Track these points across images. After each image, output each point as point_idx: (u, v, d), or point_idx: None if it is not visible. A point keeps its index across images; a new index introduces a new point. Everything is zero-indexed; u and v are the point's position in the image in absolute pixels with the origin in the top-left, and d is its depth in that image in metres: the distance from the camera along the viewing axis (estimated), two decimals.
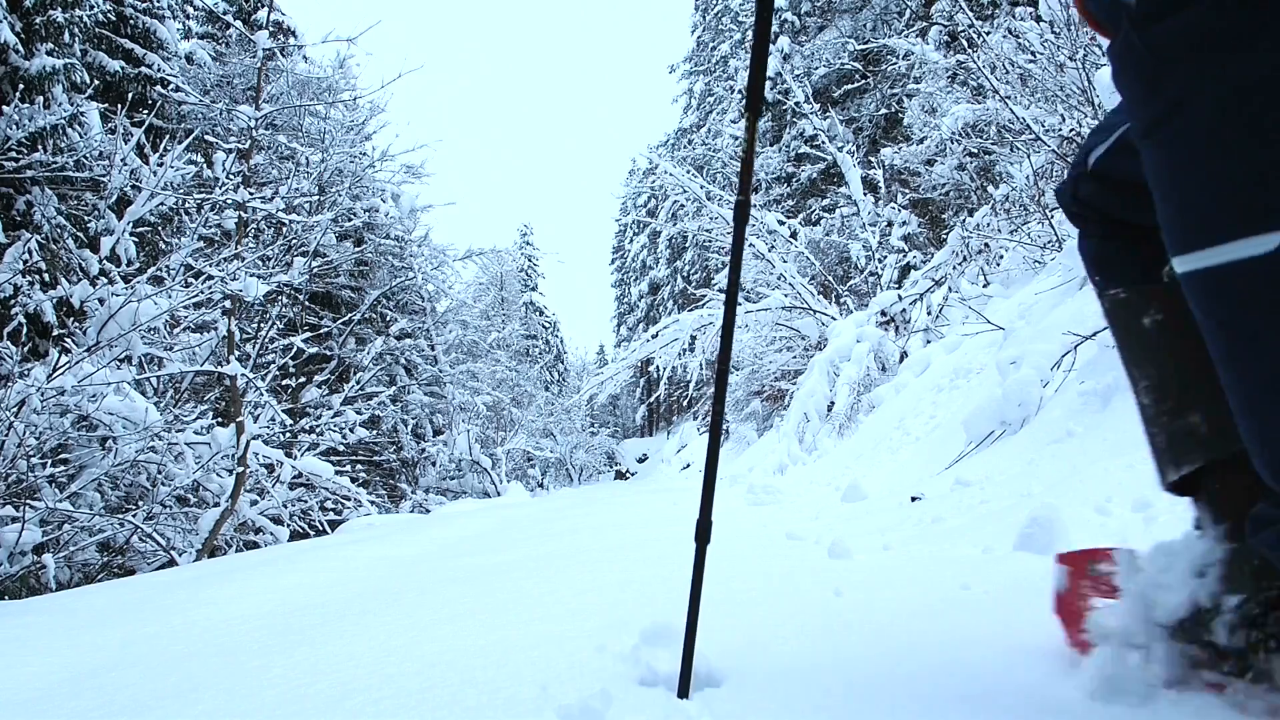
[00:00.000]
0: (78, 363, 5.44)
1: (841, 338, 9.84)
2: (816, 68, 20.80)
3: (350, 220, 14.32)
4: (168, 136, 8.42)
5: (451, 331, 19.26)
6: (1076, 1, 0.82)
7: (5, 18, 7.41)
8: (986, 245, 8.69)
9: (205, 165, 9.26)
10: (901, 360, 8.87)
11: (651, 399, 36.85)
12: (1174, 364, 1.03)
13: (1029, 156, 7.80)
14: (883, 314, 9.77)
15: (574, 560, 2.72)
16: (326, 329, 13.80)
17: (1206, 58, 0.62)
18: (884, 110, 19.53)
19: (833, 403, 9.15)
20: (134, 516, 6.06)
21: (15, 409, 4.94)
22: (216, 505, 6.91)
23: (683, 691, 1.20)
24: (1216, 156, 0.63)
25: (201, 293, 6.56)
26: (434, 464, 16.49)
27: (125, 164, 6.92)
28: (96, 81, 9.55)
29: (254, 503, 7.83)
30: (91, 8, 9.53)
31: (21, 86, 7.35)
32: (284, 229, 10.02)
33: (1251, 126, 0.59)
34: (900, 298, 9.74)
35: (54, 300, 6.02)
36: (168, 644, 1.99)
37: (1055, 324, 5.12)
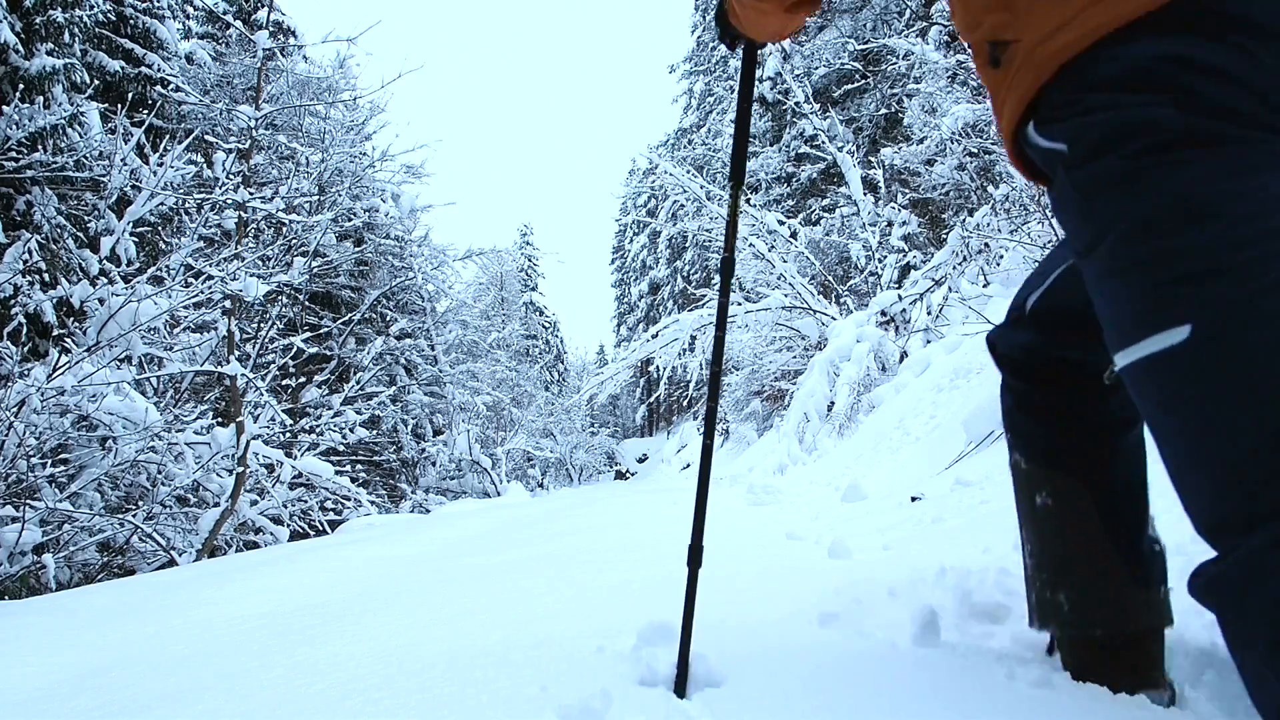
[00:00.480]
0: (78, 363, 5.44)
1: (841, 338, 9.84)
2: (816, 68, 20.80)
3: (350, 220, 14.32)
4: (168, 136, 8.42)
5: (451, 331, 19.26)
6: (1012, 158, 0.97)
7: (5, 18, 7.41)
8: (986, 245, 8.69)
9: (205, 165, 9.26)
10: (901, 360, 8.87)
11: (651, 399, 36.85)
12: (1054, 545, 1.18)
13: None
14: (883, 314, 9.77)
15: (574, 560, 2.72)
16: (326, 329, 13.80)
17: (1118, 195, 0.77)
18: (884, 110, 19.54)
19: (833, 403, 9.15)
20: (134, 516, 6.06)
21: (15, 409, 4.94)
22: (216, 505, 6.91)
23: (680, 691, 1.22)
24: (1134, 271, 0.77)
25: (201, 293, 6.56)
26: (434, 464, 16.49)
27: (125, 164, 6.92)
28: (96, 81, 9.55)
29: (254, 503, 7.83)
30: (91, 8, 9.53)
31: (21, 86, 7.35)
32: (284, 229, 10.02)
33: (1152, 248, 0.74)
34: (900, 298, 9.74)
35: (54, 300, 6.02)
36: (168, 644, 1.99)
37: None
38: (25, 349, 5.77)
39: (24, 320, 5.98)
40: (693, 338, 13.39)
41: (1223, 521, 0.75)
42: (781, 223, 14.37)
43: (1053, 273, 1.14)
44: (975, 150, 10.92)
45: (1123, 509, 1.13)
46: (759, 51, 1.40)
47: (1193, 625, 1.26)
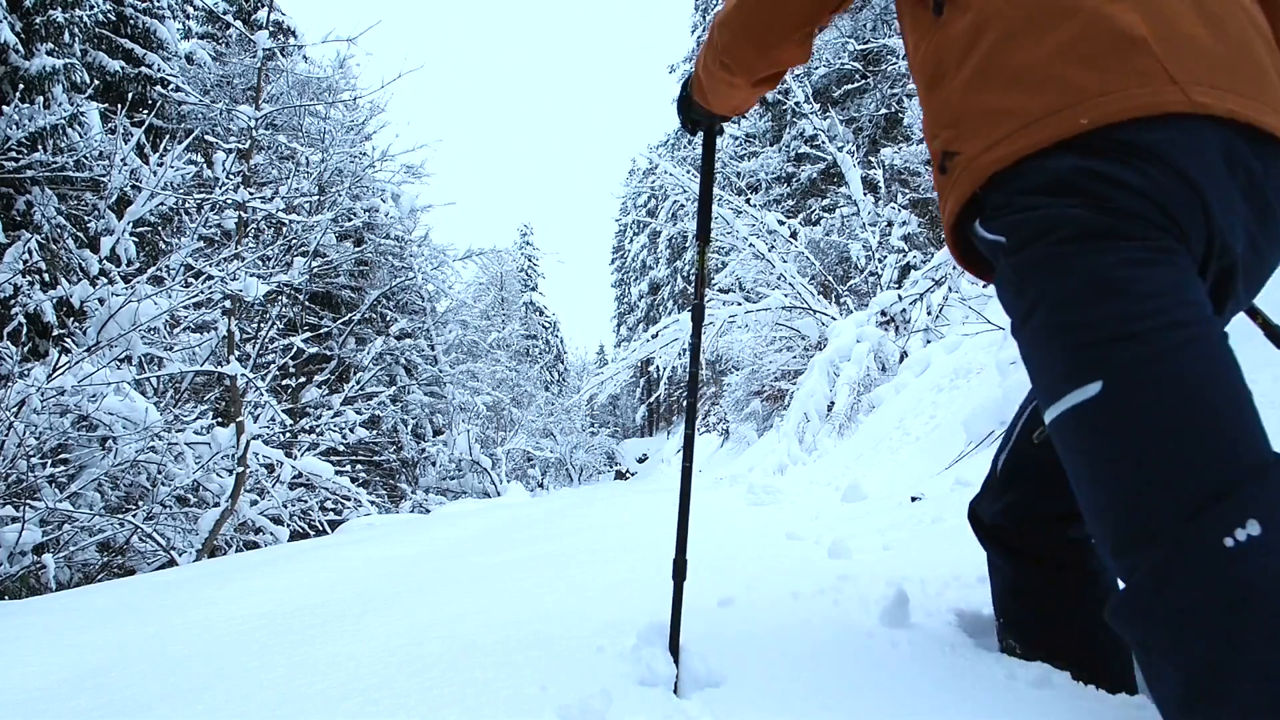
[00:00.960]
0: (78, 363, 5.44)
1: (841, 338, 9.84)
2: (816, 68, 20.80)
3: (350, 220, 14.32)
4: (168, 136, 8.42)
5: (451, 331, 19.25)
6: (951, 248, 1.12)
7: (5, 18, 7.42)
8: None
9: (205, 165, 9.26)
10: (901, 360, 8.87)
11: (651, 399, 36.84)
12: None
13: None
14: (883, 314, 9.77)
15: (574, 560, 2.72)
16: (326, 329, 13.80)
17: (1045, 275, 0.93)
18: (884, 110, 19.54)
19: (833, 403, 9.15)
20: (134, 516, 6.06)
21: (15, 409, 4.94)
22: (216, 505, 6.91)
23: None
24: (1057, 337, 0.91)
25: (201, 293, 6.55)
26: (434, 464, 16.48)
27: (125, 164, 6.92)
28: (96, 81, 9.55)
29: (254, 503, 7.83)
30: (91, 8, 9.53)
31: (21, 86, 7.35)
32: (284, 229, 10.01)
33: (1070, 319, 0.90)
34: (900, 298, 9.74)
35: (54, 300, 6.02)
36: (168, 644, 1.99)
37: None
38: (25, 349, 5.77)
39: (24, 320, 5.98)
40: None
41: (1127, 540, 0.86)
42: (781, 223, 14.37)
43: (1014, 430, 1.27)
44: None
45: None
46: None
47: None
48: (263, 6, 12.97)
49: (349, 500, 8.91)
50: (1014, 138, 0.93)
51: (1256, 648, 0.76)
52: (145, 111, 9.95)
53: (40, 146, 7.21)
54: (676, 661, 1.30)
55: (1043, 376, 0.95)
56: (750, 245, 13.51)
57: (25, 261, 6.26)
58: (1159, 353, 0.85)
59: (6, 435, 4.94)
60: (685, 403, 1.52)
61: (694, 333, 1.51)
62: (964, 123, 1.00)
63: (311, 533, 8.45)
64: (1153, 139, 0.88)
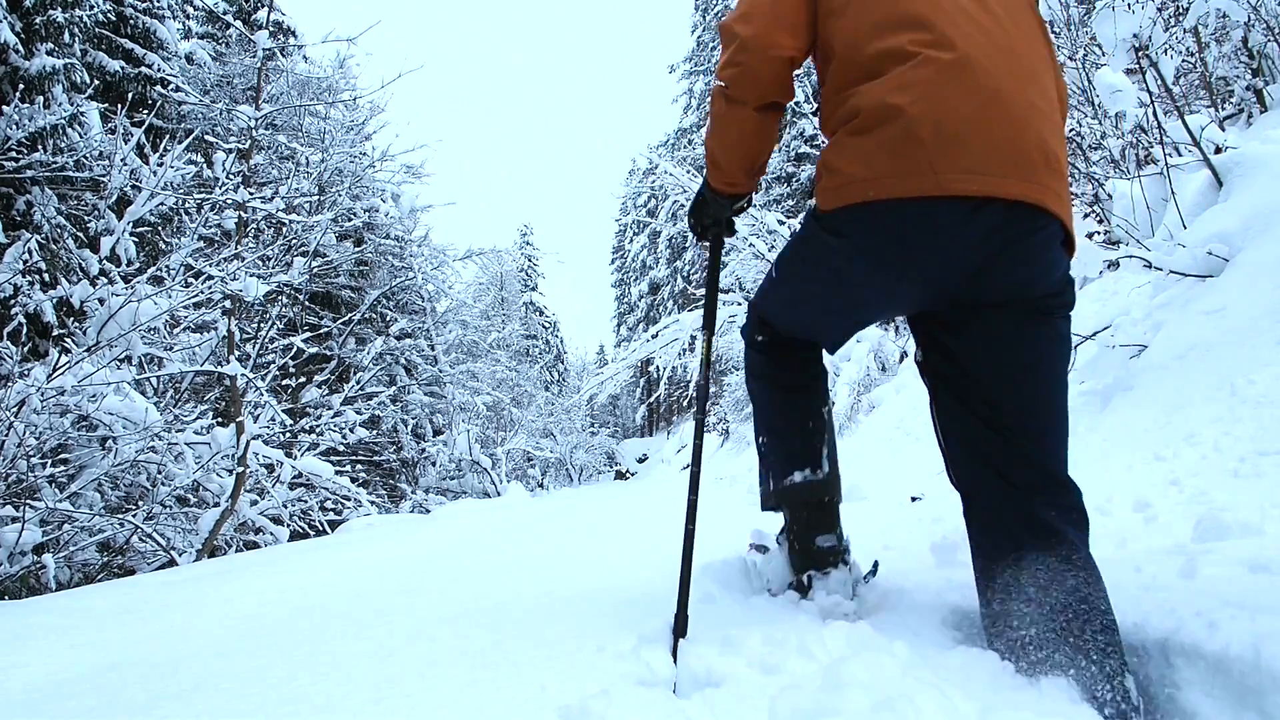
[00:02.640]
0: (78, 363, 5.44)
1: None
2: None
3: (350, 220, 14.31)
4: (168, 136, 8.41)
5: (451, 331, 19.24)
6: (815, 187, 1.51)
7: (5, 18, 7.42)
8: None
9: (205, 165, 9.25)
10: (901, 360, 8.87)
11: (651, 399, 36.84)
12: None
13: None
14: None
15: (573, 561, 2.72)
16: (326, 329, 13.79)
17: (805, 245, 1.54)
18: None
19: (833, 403, 9.14)
20: (134, 516, 6.06)
21: (15, 409, 4.94)
22: (216, 505, 6.91)
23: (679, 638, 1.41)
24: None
25: (201, 293, 6.55)
26: (434, 464, 16.48)
27: (125, 164, 6.92)
28: (96, 81, 9.55)
29: (254, 503, 7.82)
30: (91, 8, 9.53)
31: (21, 86, 7.35)
32: (284, 229, 10.01)
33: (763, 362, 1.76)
34: None
35: (54, 300, 6.02)
36: (168, 644, 1.99)
37: None
38: (25, 349, 5.76)
39: (24, 320, 5.98)
40: (693, 338, 13.38)
41: None
42: (781, 223, 14.36)
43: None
44: None
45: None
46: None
47: (1191, 624, 1.26)
48: (263, 6, 12.97)
49: (349, 500, 8.91)
50: (835, 192, 1.37)
51: None
52: (145, 111, 9.94)
53: (40, 146, 7.21)
54: (677, 657, 1.30)
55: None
56: (750, 245, 13.51)
57: (25, 261, 6.26)
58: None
59: (6, 435, 4.94)
60: (692, 446, 1.71)
61: (699, 409, 1.68)
62: (827, 167, 1.41)
63: (311, 533, 8.45)
64: (906, 213, 1.30)
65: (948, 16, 1.34)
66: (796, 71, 1.52)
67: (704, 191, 1.72)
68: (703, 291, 17.79)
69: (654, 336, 13.69)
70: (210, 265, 7.22)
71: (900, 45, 1.33)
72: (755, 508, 1.87)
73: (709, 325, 1.76)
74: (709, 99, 1.60)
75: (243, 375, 7.20)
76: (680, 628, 1.43)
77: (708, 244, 1.83)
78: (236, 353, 7.48)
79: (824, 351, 1.72)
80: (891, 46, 1.34)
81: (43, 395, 5.11)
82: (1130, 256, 3.96)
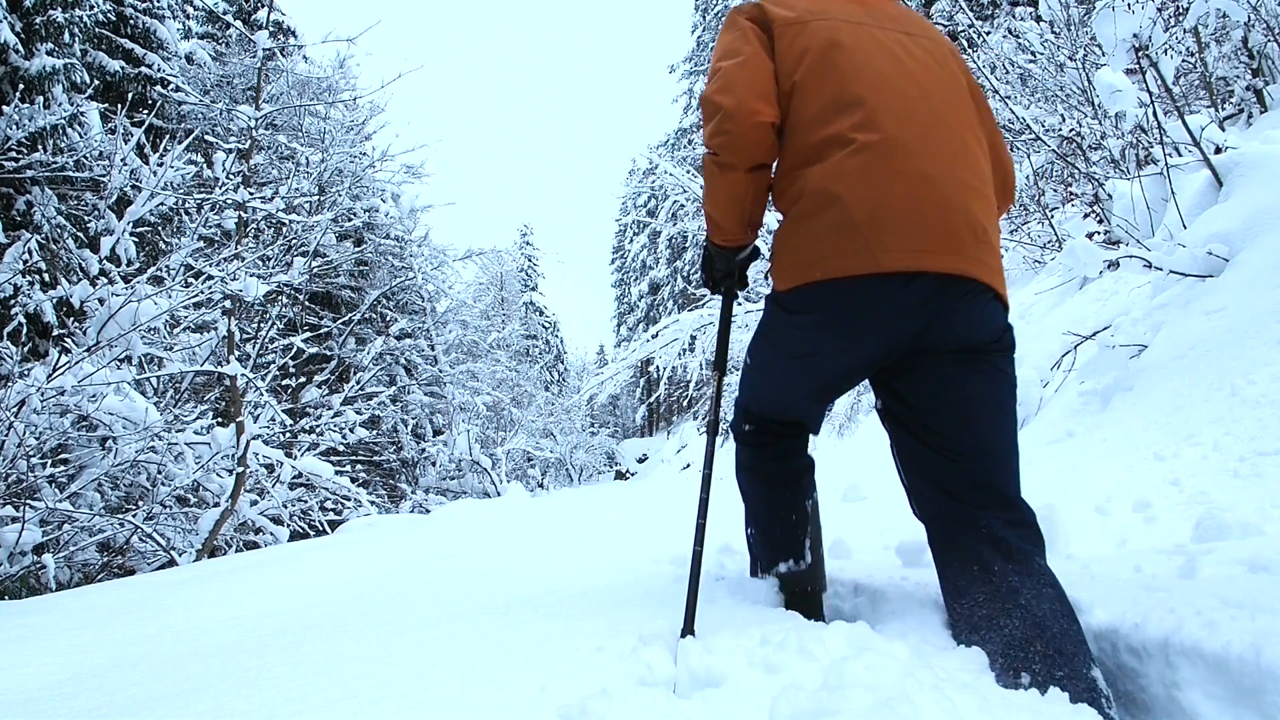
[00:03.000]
0: (78, 363, 5.44)
1: None
2: None
3: (350, 220, 14.31)
4: (168, 136, 8.41)
5: (451, 331, 19.23)
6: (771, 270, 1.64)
7: (5, 18, 7.42)
8: None
9: (205, 165, 9.25)
10: None
11: (651, 399, 36.82)
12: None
13: (1029, 156, 7.80)
14: None
15: (573, 560, 2.72)
16: (326, 329, 13.79)
17: (768, 328, 1.69)
18: None
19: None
20: (134, 516, 6.06)
21: (15, 409, 4.94)
22: (216, 505, 6.91)
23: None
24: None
25: (201, 293, 6.55)
26: (434, 464, 16.47)
27: (125, 164, 6.92)
28: (96, 81, 9.55)
29: (254, 503, 7.82)
30: (91, 8, 9.53)
31: (21, 86, 7.35)
32: (284, 229, 10.01)
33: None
34: None
35: (54, 300, 6.02)
36: (168, 644, 1.99)
37: (1055, 324, 5.13)
38: (25, 349, 5.77)
39: (24, 320, 5.98)
40: (693, 338, 13.37)
41: None
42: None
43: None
44: None
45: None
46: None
47: (1191, 624, 1.26)
48: (263, 6, 12.98)
49: (349, 500, 8.90)
50: (789, 273, 1.54)
51: None
52: (145, 111, 9.94)
53: (40, 146, 7.21)
54: (677, 657, 1.30)
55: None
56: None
57: (25, 261, 6.26)
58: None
59: (6, 435, 4.94)
60: (704, 462, 1.77)
61: (709, 444, 1.76)
62: (779, 250, 1.58)
63: (311, 533, 8.45)
64: (848, 290, 1.45)
65: (885, 104, 1.48)
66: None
67: (709, 249, 1.84)
68: (703, 292, 17.79)
69: (654, 336, 13.68)
70: (210, 265, 7.22)
71: (840, 132, 1.48)
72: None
73: (720, 367, 1.86)
74: (702, 168, 1.73)
75: (243, 375, 7.20)
76: (688, 626, 1.47)
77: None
78: (236, 353, 7.48)
79: (810, 435, 1.85)
80: (832, 134, 1.49)
81: (43, 395, 5.11)
82: (1130, 256, 3.96)
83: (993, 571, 1.38)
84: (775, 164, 1.63)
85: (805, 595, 1.77)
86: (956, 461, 1.48)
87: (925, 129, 1.48)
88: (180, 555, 6.23)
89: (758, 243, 1.85)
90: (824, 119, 1.50)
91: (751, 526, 1.87)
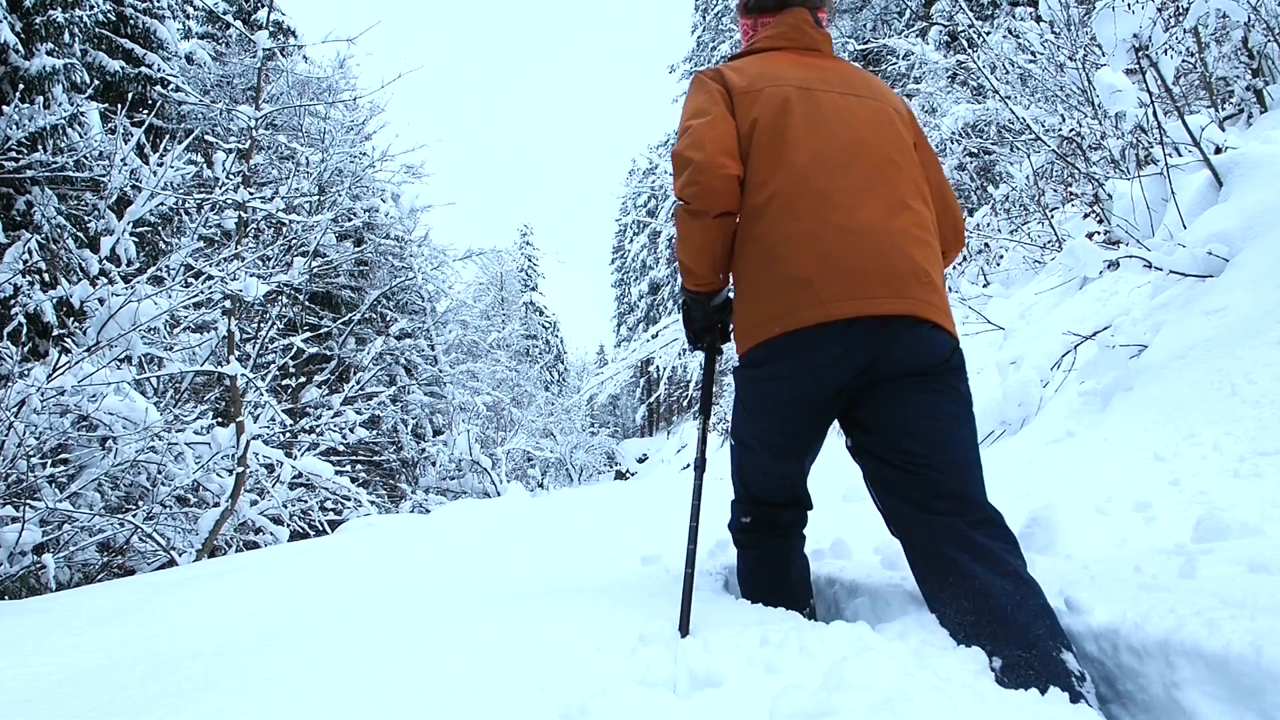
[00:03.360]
0: (78, 363, 5.44)
1: None
2: None
3: (350, 220, 14.31)
4: (168, 136, 8.42)
5: (451, 331, 19.23)
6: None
7: (5, 18, 7.41)
8: (986, 245, 8.69)
9: (205, 165, 9.25)
10: None
11: (651, 399, 36.83)
12: None
13: (1029, 156, 7.80)
14: None
15: (573, 561, 2.72)
16: (326, 329, 13.79)
17: (743, 388, 1.82)
18: None
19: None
20: (134, 516, 6.06)
21: (15, 409, 4.93)
22: (216, 505, 6.91)
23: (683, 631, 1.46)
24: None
25: (201, 293, 6.55)
26: (434, 464, 16.47)
27: (125, 164, 6.92)
28: (96, 81, 9.55)
29: (254, 503, 7.82)
30: (91, 8, 9.53)
31: (21, 86, 7.35)
32: (284, 229, 10.01)
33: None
34: None
35: (54, 300, 6.02)
36: (168, 644, 1.99)
37: (1055, 324, 5.13)
38: (25, 349, 5.76)
39: (24, 320, 5.98)
40: None
41: None
42: None
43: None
44: (975, 150, 10.92)
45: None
46: None
47: (1191, 624, 1.26)
48: (263, 6, 12.97)
49: (349, 500, 8.91)
50: (750, 334, 1.70)
51: None
52: (145, 111, 9.94)
53: (40, 146, 7.21)
54: (677, 656, 1.30)
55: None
56: None
57: (25, 261, 6.26)
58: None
59: (6, 435, 4.94)
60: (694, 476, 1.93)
61: (696, 480, 1.89)
62: (738, 317, 1.76)
63: (311, 533, 8.45)
64: (805, 339, 1.59)
65: (824, 166, 1.65)
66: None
67: (687, 300, 1.95)
68: None
69: (654, 336, 13.69)
70: (210, 265, 7.22)
71: (781, 193, 1.64)
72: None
73: (705, 411, 2.01)
74: (674, 219, 1.87)
75: (243, 375, 7.20)
76: (684, 626, 1.52)
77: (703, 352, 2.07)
78: (236, 353, 7.48)
79: (804, 516, 1.95)
80: (775, 195, 1.65)
81: (43, 395, 5.11)
82: (1130, 256, 3.96)
83: (964, 572, 1.47)
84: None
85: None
86: (920, 475, 1.58)
87: (863, 186, 1.64)
88: (180, 555, 6.23)
89: (729, 294, 1.89)
90: (768, 181, 1.67)
91: (743, 587, 1.97)
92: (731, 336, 1.84)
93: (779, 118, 1.70)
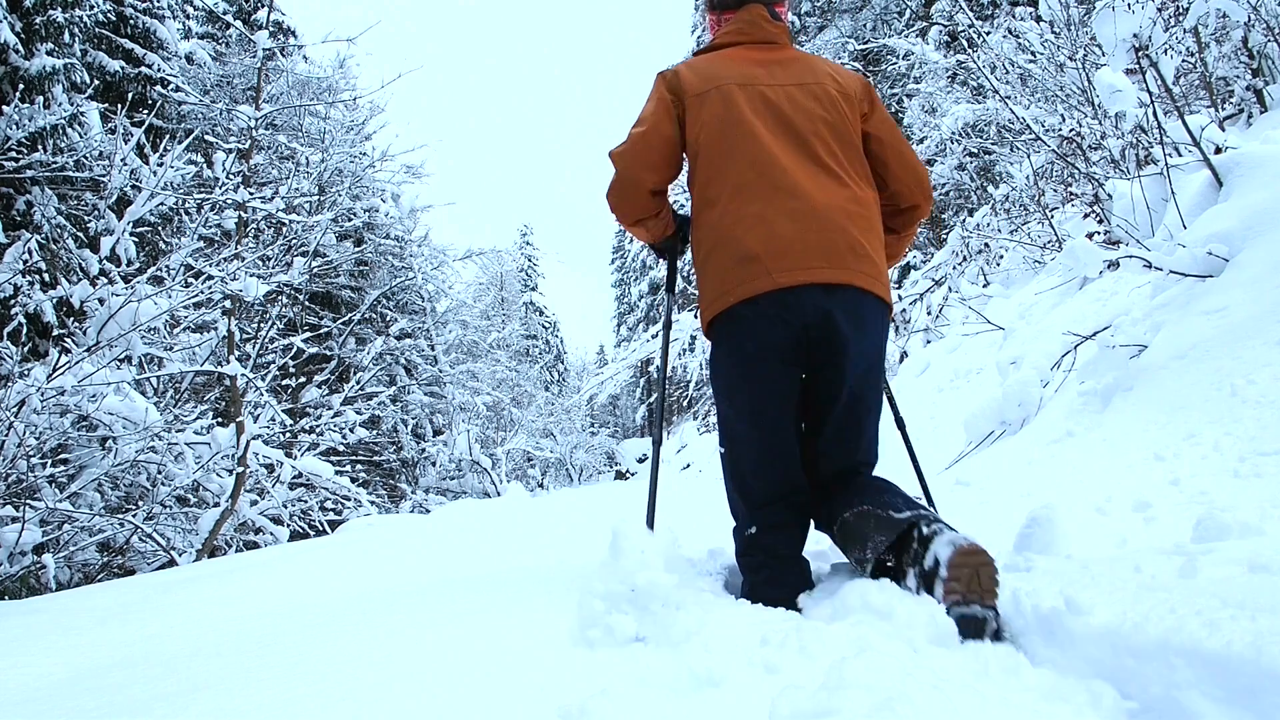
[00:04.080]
0: (78, 363, 5.44)
1: None
2: None
3: (350, 220, 14.30)
4: (168, 136, 8.41)
5: (451, 331, 19.22)
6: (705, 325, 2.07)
7: (5, 18, 7.41)
8: (986, 245, 8.69)
9: (205, 165, 9.25)
10: (901, 360, 8.87)
11: (651, 399, 36.82)
12: None
13: (1029, 156, 7.80)
14: None
15: (573, 561, 2.72)
16: (326, 329, 13.79)
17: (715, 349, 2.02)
18: None
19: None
20: (134, 516, 6.06)
21: (15, 409, 4.94)
22: (216, 505, 6.91)
23: None
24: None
25: (201, 293, 6.55)
26: (434, 464, 16.47)
27: (125, 164, 6.91)
28: (96, 81, 9.55)
29: (254, 503, 7.82)
30: (91, 8, 9.53)
31: (21, 86, 7.34)
32: (284, 229, 10.01)
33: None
34: (900, 298, 9.75)
35: (54, 300, 6.02)
36: (168, 644, 1.99)
37: (1055, 324, 5.13)
38: (25, 349, 5.76)
39: (24, 320, 5.97)
40: (693, 338, 13.37)
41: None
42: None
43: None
44: (975, 150, 10.92)
45: None
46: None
47: (1191, 624, 1.26)
48: (263, 6, 12.97)
49: (349, 500, 8.90)
50: (712, 306, 1.92)
51: None
52: (145, 111, 9.93)
53: (40, 146, 7.20)
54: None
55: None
56: None
57: (25, 261, 6.25)
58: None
59: (6, 435, 4.94)
60: (651, 440, 2.24)
61: (654, 455, 2.38)
62: (702, 295, 1.97)
63: (311, 533, 8.45)
64: (758, 304, 1.82)
65: (768, 156, 1.87)
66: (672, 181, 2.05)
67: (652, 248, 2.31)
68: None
69: (654, 336, 13.68)
70: (210, 265, 7.22)
71: (734, 183, 1.88)
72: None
73: (661, 382, 2.34)
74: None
75: (243, 375, 7.20)
76: (650, 522, 2.18)
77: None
78: (236, 353, 7.48)
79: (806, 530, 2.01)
80: (729, 185, 1.89)
81: (43, 395, 5.11)
82: (1130, 256, 3.96)
83: (845, 495, 1.89)
84: (689, 203, 2.03)
85: None
86: (827, 440, 1.99)
87: (805, 171, 1.87)
88: (180, 555, 6.23)
89: (680, 224, 2.19)
90: (721, 173, 1.91)
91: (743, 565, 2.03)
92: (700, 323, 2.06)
93: (727, 114, 1.92)
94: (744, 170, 1.87)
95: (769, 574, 1.88)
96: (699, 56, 2.10)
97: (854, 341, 1.84)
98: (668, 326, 2.43)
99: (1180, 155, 4.72)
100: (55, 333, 6.26)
